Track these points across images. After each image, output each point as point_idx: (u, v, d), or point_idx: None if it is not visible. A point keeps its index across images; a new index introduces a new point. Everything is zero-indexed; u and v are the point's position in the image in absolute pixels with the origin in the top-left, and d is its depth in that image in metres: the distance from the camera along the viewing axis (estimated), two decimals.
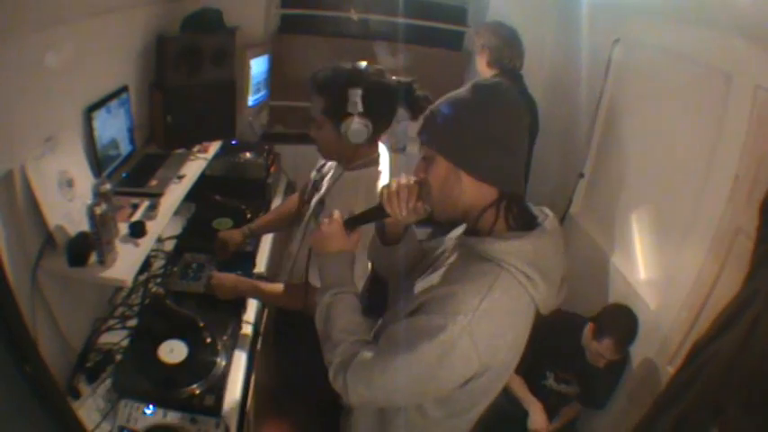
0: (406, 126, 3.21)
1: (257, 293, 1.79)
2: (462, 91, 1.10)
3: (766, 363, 1.32)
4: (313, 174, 1.86)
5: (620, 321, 2.05)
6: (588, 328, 2.12)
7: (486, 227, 1.11)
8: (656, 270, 2.13)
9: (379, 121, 1.54)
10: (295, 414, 1.78)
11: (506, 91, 1.09)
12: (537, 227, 1.09)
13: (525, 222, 1.11)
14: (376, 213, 1.19)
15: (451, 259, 1.17)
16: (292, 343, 1.79)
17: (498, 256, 1.05)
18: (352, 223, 1.20)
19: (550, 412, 2.37)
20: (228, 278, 1.80)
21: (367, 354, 1.10)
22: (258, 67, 2.85)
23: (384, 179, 1.63)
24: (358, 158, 1.62)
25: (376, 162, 1.64)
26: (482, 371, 1.06)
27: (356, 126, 1.48)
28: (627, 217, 2.32)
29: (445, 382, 1.08)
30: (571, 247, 2.74)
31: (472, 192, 1.08)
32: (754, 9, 1.55)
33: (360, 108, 1.47)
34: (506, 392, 2.37)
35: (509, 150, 1.06)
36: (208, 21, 2.40)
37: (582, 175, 2.66)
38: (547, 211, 1.16)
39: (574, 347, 2.18)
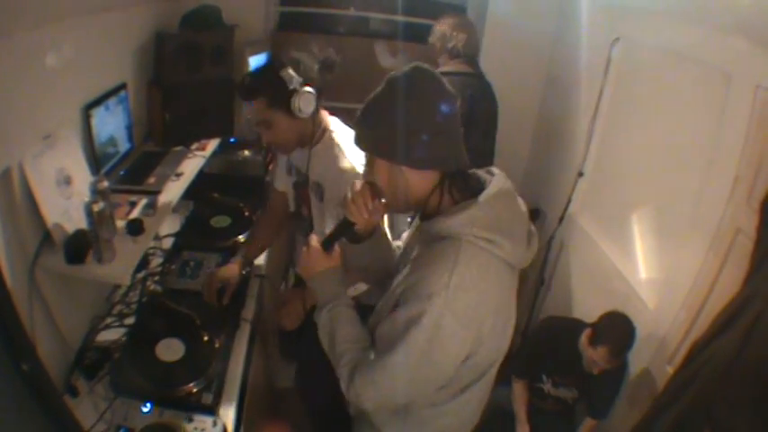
0: None
1: None
2: (378, 89, 1.12)
3: (765, 363, 1.32)
4: (283, 180, 1.91)
5: (617, 330, 2.02)
6: (585, 334, 2.10)
7: (435, 207, 1.14)
8: (656, 270, 2.13)
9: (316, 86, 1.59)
10: (297, 415, 1.78)
11: (420, 76, 1.10)
12: (481, 192, 1.11)
13: (470, 191, 1.14)
14: (344, 226, 1.24)
15: (417, 249, 1.20)
16: (299, 345, 1.78)
17: (453, 230, 1.08)
18: (327, 244, 1.24)
19: (549, 415, 2.37)
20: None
21: (368, 358, 1.13)
22: (257, 64, 2.84)
23: (342, 138, 1.65)
24: (314, 132, 1.65)
25: (328, 128, 1.68)
26: (477, 345, 1.10)
27: (305, 96, 1.53)
28: (626, 216, 2.32)
29: (443, 365, 1.11)
30: (570, 247, 2.75)
31: (417, 180, 1.12)
32: (755, 8, 1.55)
33: (299, 79, 1.53)
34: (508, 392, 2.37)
35: (437, 132, 1.08)
36: (207, 18, 2.39)
37: (581, 174, 2.65)
38: (494, 170, 1.18)
39: (572, 352, 2.17)
